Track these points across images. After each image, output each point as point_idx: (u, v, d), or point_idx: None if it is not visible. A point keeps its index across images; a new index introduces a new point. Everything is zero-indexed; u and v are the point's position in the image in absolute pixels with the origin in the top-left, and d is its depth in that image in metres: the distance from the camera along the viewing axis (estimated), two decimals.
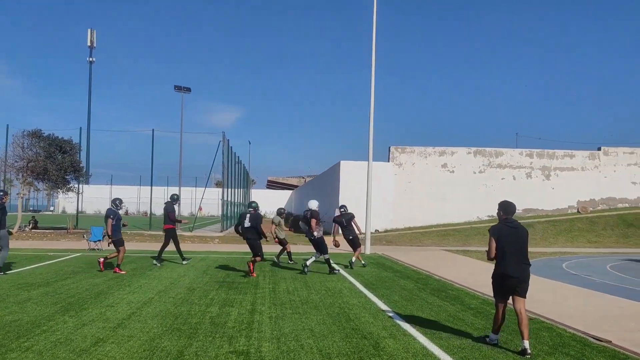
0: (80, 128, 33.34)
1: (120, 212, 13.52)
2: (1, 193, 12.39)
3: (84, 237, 19.11)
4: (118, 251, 13.12)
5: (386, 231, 30.83)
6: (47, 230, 29.69)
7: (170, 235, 14.94)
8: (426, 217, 31.74)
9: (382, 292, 10.79)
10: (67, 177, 29.32)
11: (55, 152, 28.56)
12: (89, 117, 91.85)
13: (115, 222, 13.00)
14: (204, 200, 37.05)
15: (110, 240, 13.22)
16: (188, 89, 32.71)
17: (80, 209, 75.30)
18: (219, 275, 12.91)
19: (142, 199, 75.71)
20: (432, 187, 32.35)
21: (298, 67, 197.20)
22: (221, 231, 32.18)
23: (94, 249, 18.91)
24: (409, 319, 8.14)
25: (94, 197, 75.55)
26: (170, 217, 14.89)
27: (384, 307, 9.15)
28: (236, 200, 43.65)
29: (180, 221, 15.96)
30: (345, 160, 32.35)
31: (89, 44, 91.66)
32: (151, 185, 32.77)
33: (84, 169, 30.29)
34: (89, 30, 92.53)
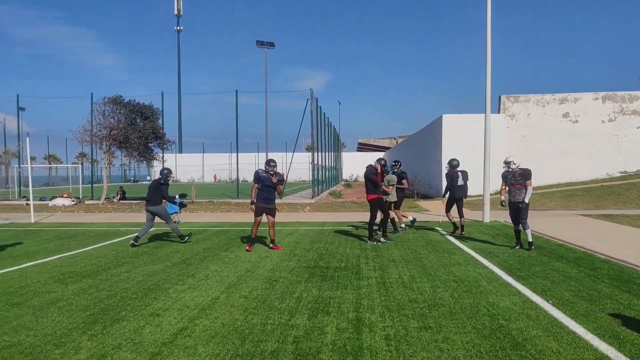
0: (162, 93, 31.72)
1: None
2: (166, 171, 12.32)
3: None
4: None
5: (497, 193, 26.95)
6: (135, 201, 28.55)
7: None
8: (545, 176, 27.44)
9: (537, 283, 7.54)
10: (149, 144, 27.82)
11: (135, 119, 27.07)
12: (179, 87, 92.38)
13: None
14: (293, 165, 34.74)
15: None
16: (271, 44, 30.00)
17: (175, 178, 77.16)
18: (309, 256, 10.15)
19: (233, 165, 75.34)
20: (551, 141, 27.88)
21: (387, 24, 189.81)
22: (312, 197, 29.68)
23: None
24: (622, 343, 4.91)
25: (187, 166, 76.19)
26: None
27: (558, 314, 5.94)
28: (327, 164, 41.02)
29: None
30: (447, 114, 28.54)
31: (175, 12, 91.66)
32: (237, 150, 30.71)
33: (166, 136, 28.64)
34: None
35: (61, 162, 75.80)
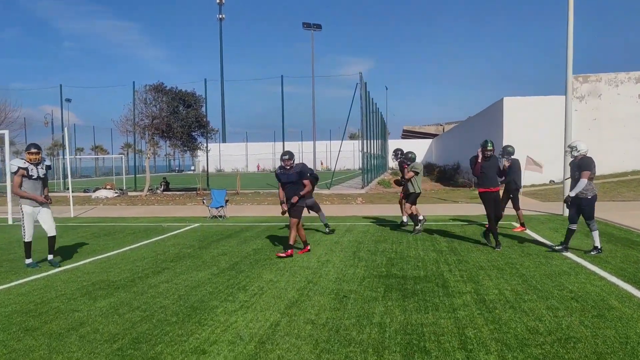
0: (205, 80, 30.68)
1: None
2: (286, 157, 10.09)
3: (203, 202, 15.90)
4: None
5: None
6: (178, 192, 27.62)
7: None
8: (619, 162, 25.07)
9: None
10: (193, 133, 26.75)
11: (178, 107, 26.01)
12: (222, 76, 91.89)
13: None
14: (334, 153, 33.19)
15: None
16: (318, 26, 28.39)
17: (219, 168, 76.60)
18: (378, 261, 8.61)
19: (276, 155, 74.45)
20: (626, 124, 25.44)
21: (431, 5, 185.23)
22: (362, 187, 28.09)
23: (215, 217, 15.58)
24: None
25: (231, 155, 75.62)
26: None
27: None
28: (374, 152, 39.31)
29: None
30: (508, 97, 26.41)
31: (217, 0, 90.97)
32: (283, 139, 29.36)
33: (210, 124, 27.47)
34: None
35: (107, 153, 76.40)
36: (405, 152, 12.46)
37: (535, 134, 24.50)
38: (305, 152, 71.57)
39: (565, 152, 8.81)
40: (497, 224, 9.74)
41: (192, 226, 13.93)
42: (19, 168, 8.37)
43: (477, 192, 10.85)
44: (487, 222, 9.89)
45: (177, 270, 8.26)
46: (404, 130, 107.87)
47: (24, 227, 8.54)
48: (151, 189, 27.67)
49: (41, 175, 8.61)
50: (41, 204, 8.63)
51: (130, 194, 28.75)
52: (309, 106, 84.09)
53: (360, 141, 30.25)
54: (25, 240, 8.62)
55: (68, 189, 34.15)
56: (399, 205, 13.54)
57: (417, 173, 11.76)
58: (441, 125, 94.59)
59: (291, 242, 9.17)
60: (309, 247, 9.61)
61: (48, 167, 8.85)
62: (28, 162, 8.47)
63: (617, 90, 25.68)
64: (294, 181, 9.21)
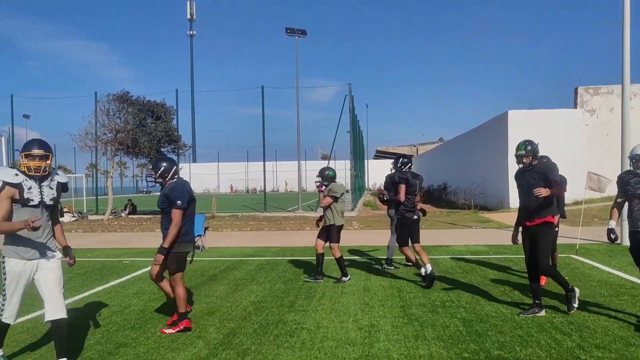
0: (177, 90, 27.67)
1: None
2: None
3: None
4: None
5: (576, 202, 22.39)
6: (146, 216, 24.34)
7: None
8: None
9: None
10: (162, 149, 23.62)
11: (145, 119, 22.89)
12: (192, 93, 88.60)
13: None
14: (312, 174, 30.38)
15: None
16: (303, 32, 25.74)
17: None
18: (450, 326, 5.73)
19: (250, 174, 71.27)
20: None
21: (402, 21, 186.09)
22: (352, 210, 25.30)
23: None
24: None
25: (200, 175, 72.08)
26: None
27: None
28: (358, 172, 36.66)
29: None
30: (513, 110, 24.08)
31: (188, 16, 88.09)
32: (264, 157, 26.37)
33: (182, 139, 24.40)
34: (188, 3, 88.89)
35: (71, 173, 71.96)
36: (322, 169, 8.53)
37: (544, 150, 22.13)
38: (281, 172, 68.77)
39: (631, 162, 5.75)
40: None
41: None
42: (4, 184, 4.34)
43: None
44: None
45: (141, 349, 5.21)
46: (377, 151, 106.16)
47: (3, 295, 4.51)
48: (114, 212, 24.35)
49: (47, 201, 4.51)
50: (43, 253, 4.51)
51: (90, 217, 25.34)
52: (285, 125, 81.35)
53: (350, 160, 27.53)
54: (2, 321, 4.54)
55: None
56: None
57: (336, 199, 8.27)
58: (414, 146, 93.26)
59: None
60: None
61: (63, 187, 4.74)
62: (24, 173, 4.46)
63: (630, 103, 23.56)
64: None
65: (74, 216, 24.32)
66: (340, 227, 8.32)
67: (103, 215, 23.95)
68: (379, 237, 14.64)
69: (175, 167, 5.83)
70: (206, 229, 12.78)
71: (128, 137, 22.21)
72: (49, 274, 4.48)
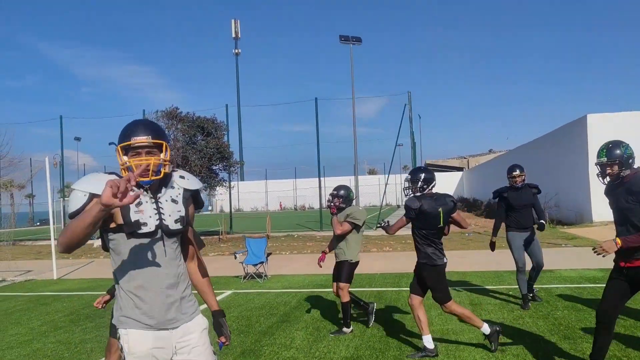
0: (226, 105, 26.66)
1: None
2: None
3: (235, 256, 11.23)
4: None
5: None
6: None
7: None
8: None
9: None
10: (213, 167, 22.44)
11: (196, 135, 21.78)
12: (239, 113, 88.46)
13: None
14: (361, 188, 28.82)
15: None
16: (358, 39, 24.30)
17: (238, 207, 72.02)
18: None
19: (298, 192, 70.07)
20: None
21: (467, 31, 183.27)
22: None
23: (252, 277, 10.97)
24: None
25: (250, 192, 71.32)
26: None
27: None
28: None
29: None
30: (592, 113, 21.88)
31: (233, 35, 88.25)
32: (319, 174, 24.92)
33: (234, 156, 23.15)
34: (232, 21, 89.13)
35: None
36: (338, 186, 6.55)
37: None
38: (328, 187, 67.05)
39: None
40: None
41: (223, 295, 9.36)
42: (91, 198, 2.41)
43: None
44: None
45: None
46: (427, 164, 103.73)
47: None
48: None
49: (171, 224, 2.60)
50: (177, 315, 2.62)
51: None
52: (329, 139, 79.94)
53: (386, 176, 25.73)
54: None
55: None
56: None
57: (357, 227, 6.36)
58: (465, 158, 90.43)
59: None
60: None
61: (195, 197, 2.78)
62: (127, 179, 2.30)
63: None
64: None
65: None
66: (356, 265, 6.42)
67: None
68: (464, 260, 12.81)
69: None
70: (269, 254, 11.23)
71: (178, 155, 21.11)
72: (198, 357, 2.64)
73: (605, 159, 4.19)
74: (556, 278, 9.53)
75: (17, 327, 7.64)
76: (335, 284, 6.49)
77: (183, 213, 2.63)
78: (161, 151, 2.56)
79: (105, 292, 4.30)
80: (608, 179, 4.26)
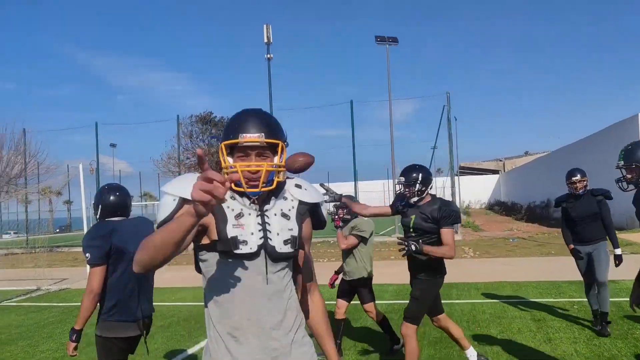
0: (260, 109, 26.15)
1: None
2: None
3: None
4: None
5: None
6: None
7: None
8: None
9: None
10: None
11: None
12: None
13: None
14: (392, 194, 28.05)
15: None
16: (394, 40, 23.70)
17: None
18: None
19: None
20: None
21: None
22: (456, 232, 22.65)
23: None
24: None
25: None
26: None
27: None
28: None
29: None
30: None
31: (265, 40, 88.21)
32: (355, 177, 24.45)
33: None
34: (264, 26, 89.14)
35: (156, 200, 73.24)
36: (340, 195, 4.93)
37: None
38: (362, 192, 66.35)
39: None
40: None
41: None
42: (182, 203, 1.93)
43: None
44: None
45: None
46: (461, 167, 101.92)
47: None
48: None
49: (279, 246, 2.04)
50: (285, 351, 2.04)
51: None
52: (360, 143, 79.15)
53: (450, 176, 25.03)
54: None
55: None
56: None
57: (364, 240, 5.69)
58: (501, 160, 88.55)
59: None
60: None
61: (314, 213, 2.23)
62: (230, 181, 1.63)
63: None
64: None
65: None
66: (371, 279, 5.81)
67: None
68: (511, 268, 12.05)
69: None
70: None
71: (212, 161, 20.84)
72: None
73: (622, 162, 3.84)
74: (623, 290, 8.74)
75: (48, 341, 7.28)
76: (340, 301, 5.86)
77: (295, 232, 2.06)
78: (275, 153, 2.02)
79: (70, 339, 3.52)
80: (626, 184, 3.78)
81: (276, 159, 2.01)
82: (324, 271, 13.51)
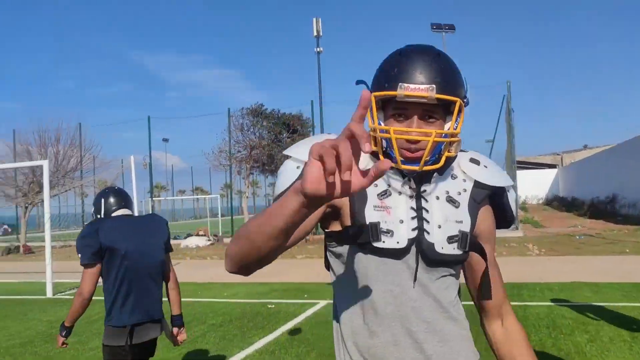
0: (312, 102, 25.77)
1: None
2: None
3: None
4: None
5: None
6: None
7: None
8: None
9: None
10: None
11: (281, 133, 21.13)
12: (321, 113, 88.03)
13: None
14: None
15: None
16: (451, 27, 22.77)
17: None
18: None
19: None
20: None
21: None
22: (516, 228, 21.55)
23: None
24: None
25: None
26: None
27: None
28: None
29: None
30: None
31: (314, 33, 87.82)
32: None
33: None
34: (314, 20, 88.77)
35: (207, 194, 74.38)
36: None
37: None
38: None
39: None
40: None
41: (317, 307, 8.33)
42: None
43: None
44: None
45: None
46: (517, 162, 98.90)
47: None
48: None
49: (439, 244, 1.40)
50: None
51: (226, 240, 24.06)
52: None
53: (509, 170, 23.94)
54: None
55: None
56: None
57: None
58: (558, 154, 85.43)
59: None
60: None
61: (499, 204, 1.56)
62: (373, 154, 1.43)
63: None
64: None
65: (209, 239, 23.14)
66: None
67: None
68: (582, 267, 11.11)
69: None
70: None
71: (263, 153, 20.56)
72: None
73: None
74: None
75: (97, 339, 6.97)
76: None
77: (467, 226, 1.43)
78: (448, 115, 1.39)
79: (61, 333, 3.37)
80: None
81: (448, 125, 1.38)
82: None
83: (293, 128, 21.22)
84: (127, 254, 3.16)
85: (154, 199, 33.72)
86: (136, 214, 12.85)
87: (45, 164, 11.23)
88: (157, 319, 3.30)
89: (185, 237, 24.31)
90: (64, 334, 3.31)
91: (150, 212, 3.52)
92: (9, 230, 40.00)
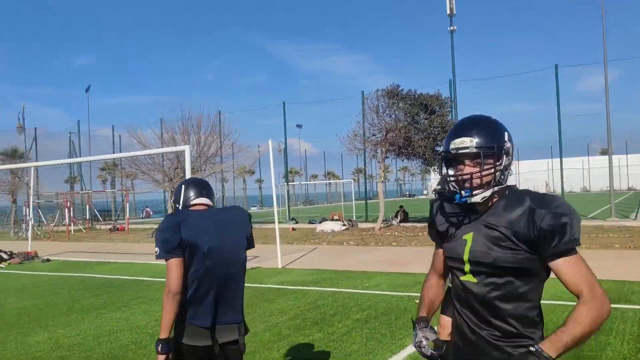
0: (450, 80, 24.41)
1: None
2: None
3: None
4: None
5: None
6: (419, 224, 21.48)
7: None
8: None
9: None
10: (437, 148, 20.52)
11: (418, 114, 20.06)
12: (454, 92, 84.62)
13: None
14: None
15: None
16: None
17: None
18: None
19: (554, 172, 63.22)
20: None
21: None
22: (635, 218, 18.63)
23: None
24: None
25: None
26: None
27: None
28: None
29: None
30: None
31: (448, 12, 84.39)
32: (560, 151, 21.54)
33: None
34: None
35: (339, 179, 74.79)
36: None
37: None
38: (566, 169, 59.65)
39: None
40: None
41: None
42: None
43: None
44: None
45: None
46: None
47: None
48: (385, 220, 22.05)
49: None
50: None
51: (360, 225, 23.59)
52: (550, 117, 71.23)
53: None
54: None
55: (294, 219, 30.41)
56: None
57: None
58: None
59: None
60: None
61: None
62: None
63: None
64: None
65: (344, 224, 22.79)
66: None
67: (373, 224, 21.86)
68: None
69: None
70: None
71: (400, 136, 19.63)
72: None
73: None
74: None
75: None
76: (443, 317, 3.91)
77: None
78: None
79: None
80: None
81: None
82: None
83: (431, 109, 20.00)
84: (209, 251, 2.87)
85: (288, 183, 34.25)
86: (274, 199, 12.68)
87: (187, 149, 11.34)
88: (237, 321, 2.98)
89: (320, 222, 24.20)
90: (160, 349, 2.80)
91: (234, 205, 3.15)
92: (151, 213, 41.83)
